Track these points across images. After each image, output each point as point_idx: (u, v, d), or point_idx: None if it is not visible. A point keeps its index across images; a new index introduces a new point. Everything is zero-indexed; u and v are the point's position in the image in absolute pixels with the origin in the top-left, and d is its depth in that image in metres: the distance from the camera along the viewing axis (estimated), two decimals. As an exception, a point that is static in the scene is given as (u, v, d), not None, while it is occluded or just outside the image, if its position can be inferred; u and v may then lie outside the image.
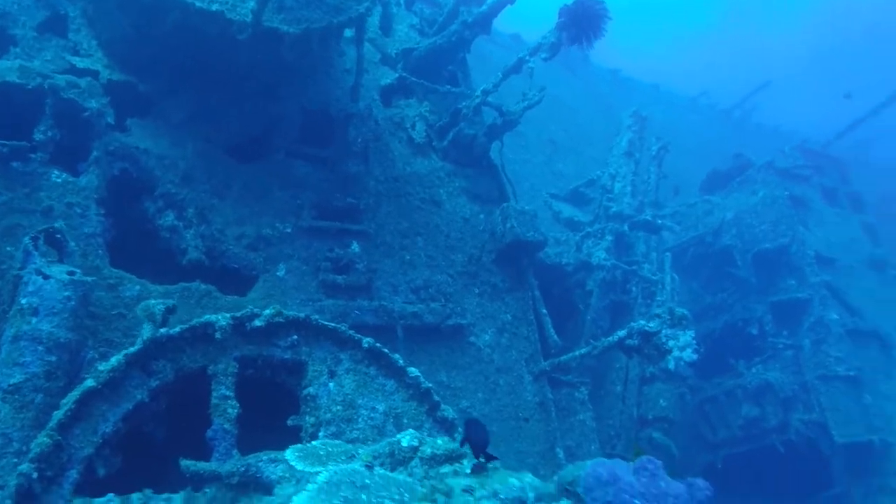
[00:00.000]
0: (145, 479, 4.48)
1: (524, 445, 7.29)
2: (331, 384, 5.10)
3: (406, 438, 2.97)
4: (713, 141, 21.02)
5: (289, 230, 7.27)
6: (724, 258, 12.83)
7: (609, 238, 10.51)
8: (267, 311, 5.00)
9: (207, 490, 4.38)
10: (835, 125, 20.57)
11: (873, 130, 22.70)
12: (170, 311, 4.43)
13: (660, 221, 10.83)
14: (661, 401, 9.68)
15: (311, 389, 5.04)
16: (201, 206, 7.10)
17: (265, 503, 4.15)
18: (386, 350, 5.29)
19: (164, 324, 4.47)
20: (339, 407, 5.02)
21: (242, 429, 4.96)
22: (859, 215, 14.29)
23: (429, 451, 2.85)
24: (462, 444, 2.79)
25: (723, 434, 12.59)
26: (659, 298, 10.13)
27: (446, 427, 5.28)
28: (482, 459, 2.65)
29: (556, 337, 7.91)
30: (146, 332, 4.41)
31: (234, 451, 4.63)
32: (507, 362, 7.67)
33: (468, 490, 2.51)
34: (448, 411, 5.28)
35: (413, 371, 5.28)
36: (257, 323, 4.92)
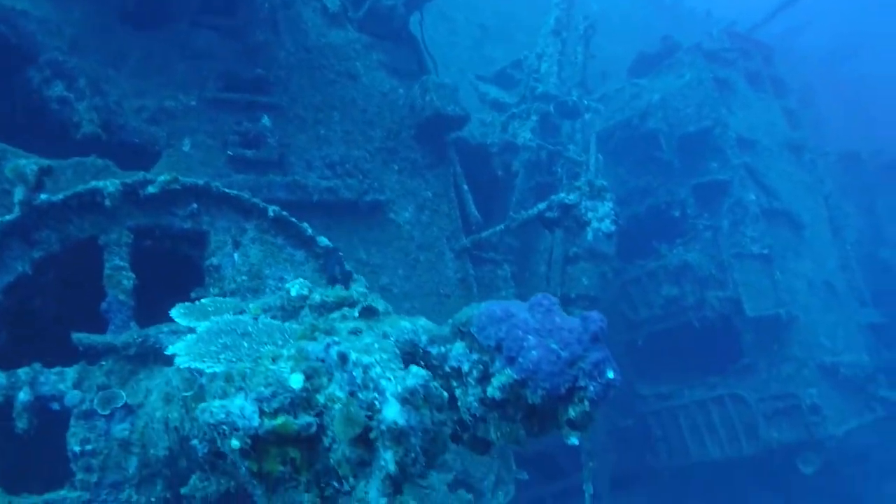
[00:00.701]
0: (36, 356, 4.25)
1: (445, 320, 7.29)
2: (235, 254, 4.88)
3: (295, 288, 2.81)
4: (645, 25, 20.74)
5: (193, 103, 6.80)
6: (650, 141, 12.85)
7: (534, 118, 10.33)
8: (162, 178, 4.67)
9: (104, 363, 4.18)
10: (765, 10, 20.49)
11: (802, 18, 22.77)
12: (44, 171, 4.06)
13: (586, 102, 10.66)
14: (584, 279, 9.83)
15: (213, 260, 4.81)
16: (94, 77, 6.53)
17: (164, 373, 3.99)
18: (294, 219, 5.07)
19: (38, 187, 4.11)
20: (244, 277, 4.82)
21: (146, 304, 4.73)
22: (781, 100, 14.42)
23: (318, 298, 2.70)
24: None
25: (644, 313, 12.99)
26: (584, 179, 10.10)
27: (359, 297, 5.16)
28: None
29: (477, 213, 7.81)
30: (18, 194, 4.05)
31: (132, 324, 4.41)
32: (428, 239, 7.56)
33: (354, 332, 2.37)
34: (360, 282, 5.15)
35: (323, 240, 5.09)
36: (151, 190, 4.60)
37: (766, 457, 11.78)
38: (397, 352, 2.16)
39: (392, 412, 1.84)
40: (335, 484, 2.01)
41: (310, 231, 5.08)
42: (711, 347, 12.46)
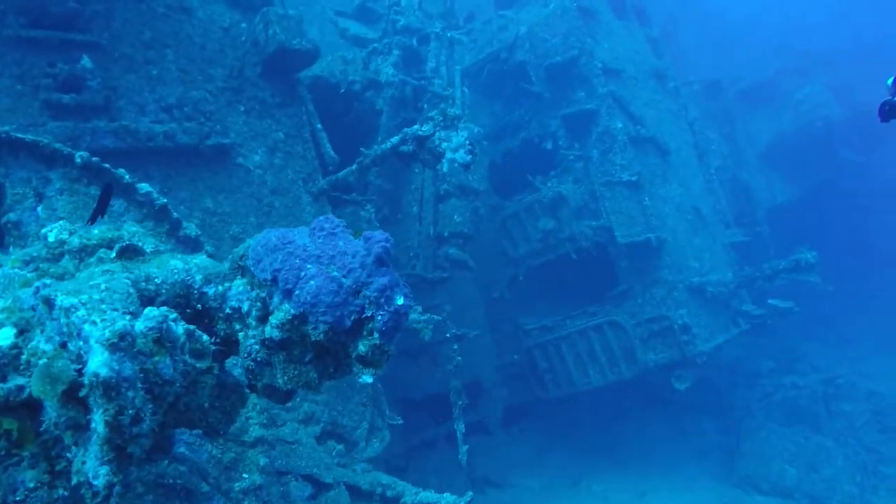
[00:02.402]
0: None
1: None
2: (39, 208, 4.32)
3: (53, 232, 2.40)
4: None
5: (-8, 42, 6.00)
6: (520, 74, 12.69)
7: (396, 53, 9.91)
8: (-68, 124, 4.03)
9: None
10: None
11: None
12: None
13: (449, 34, 10.33)
14: (456, 216, 9.65)
15: (12, 216, 4.24)
16: None
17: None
18: (107, 165, 4.54)
19: None
20: (51, 233, 4.28)
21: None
22: (645, 29, 14.58)
23: (77, 241, 2.31)
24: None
25: (523, 248, 13.05)
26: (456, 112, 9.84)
27: (191, 246, 4.74)
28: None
29: (333, 153, 7.41)
30: None
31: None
32: (283, 183, 7.12)
33: (107, 273, 2.01)
34: (191, 229, 4.72)
35: (144, 187, 4.61)
36: (-82, 138, 3.96)
37: (644, 378, 12.21)
38: (131, 291, 1.82)
39: (96, 362, 1.52)
40: (69, 455, 1.68)
41: (128, 178, 4.57)
42: (590, 276, 12.69)
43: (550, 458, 13.53)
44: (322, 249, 2.03)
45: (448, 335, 8.96)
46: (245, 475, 4.55)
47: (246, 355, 2.10)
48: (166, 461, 3.79)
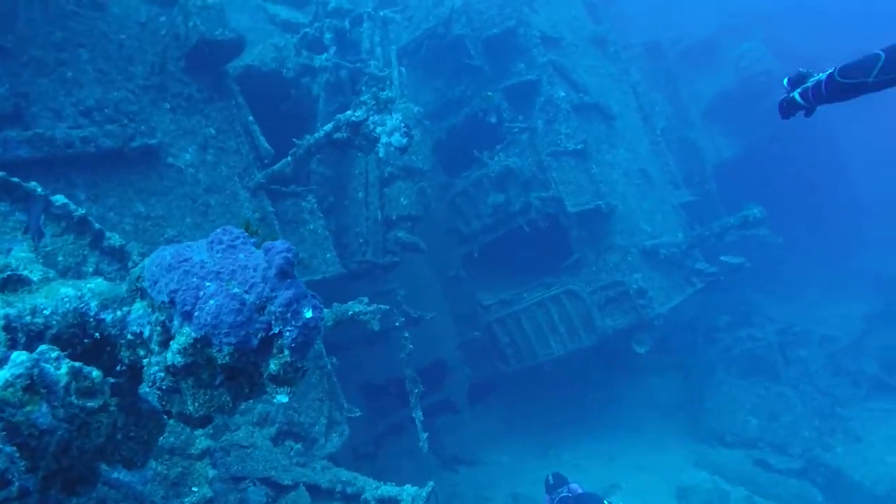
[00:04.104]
0: None
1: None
2: (-57, 230, 4.06)
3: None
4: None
5: None
6: (458, 49, 12.50)
7: (329, 36, 9.64)
8: None
9: None
10: None
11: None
12: None
13: (382, 13, 10.08)
14: (403, 199, 9.49)
15: (-86, 241, 3.97)
16: None
17: None
18: (16, 179, 4.28)
19: None
20: (-40, 256, 4.02)
21: None
22: (582, -6, 14.48)
23: (-43, 272, 2.13)
24: None
25: (475, 224, 12.96)
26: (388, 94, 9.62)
27: (118, 257, 4.51)
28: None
29: (267, 145, 7.17)
30: None
31: None
32: (217, 180, 6.86)
33: (-16, 309, 1.84)
34: (115, 239, 4.49)
35: (59, 199, 4.36)
36: None
37: (604, 344, 12.26)
38: (-1, 335, 1.66)
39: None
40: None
41: (40, 190, 4.31)
42: (544, 248, 12.67)
43: (518, 431, 13.60)
44: (221, 265, 1.88)
45: (397, 323, 8.82)
46: (195, 489, 4.40)
47: (151, 384, 1.95)
48: (107, 486, 3.62)
